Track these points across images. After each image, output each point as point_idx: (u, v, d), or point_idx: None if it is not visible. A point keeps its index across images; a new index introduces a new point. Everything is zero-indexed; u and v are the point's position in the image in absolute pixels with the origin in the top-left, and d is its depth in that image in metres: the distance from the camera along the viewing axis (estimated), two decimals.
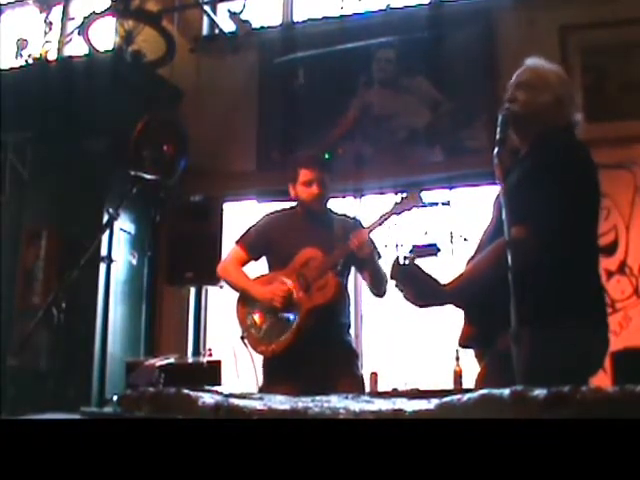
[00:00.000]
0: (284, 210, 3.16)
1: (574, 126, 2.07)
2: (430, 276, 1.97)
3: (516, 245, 1.71)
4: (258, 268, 3.13)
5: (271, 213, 3.15)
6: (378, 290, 2.99)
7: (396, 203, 2.86)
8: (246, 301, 2.99)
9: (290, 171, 3.03)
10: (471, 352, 2.26)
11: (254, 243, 3.04)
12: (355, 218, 3.15)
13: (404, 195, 2.86)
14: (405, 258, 2.01)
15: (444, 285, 1.98)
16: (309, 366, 2.76)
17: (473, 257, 2.14)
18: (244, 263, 3.06)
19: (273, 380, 2.87)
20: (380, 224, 2.86)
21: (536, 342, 1.73)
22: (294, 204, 3.10)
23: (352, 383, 2.81)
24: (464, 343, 2.13)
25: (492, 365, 2.03)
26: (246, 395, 1.47)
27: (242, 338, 2.98)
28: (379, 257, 3.00)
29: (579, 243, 1.94)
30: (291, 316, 2.86)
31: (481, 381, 2.07)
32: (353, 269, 3.11)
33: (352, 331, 3.08)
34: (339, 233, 2.90)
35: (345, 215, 3.14)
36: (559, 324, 1.83)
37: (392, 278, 2.00)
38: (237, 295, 3.04)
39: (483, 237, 2.16)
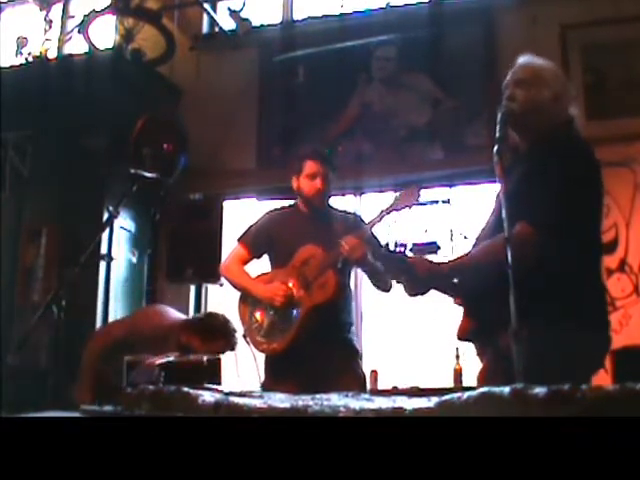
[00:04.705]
0: (285, 208, 3.15)
1: (572, 120, 2.08)
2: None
3: (520, 241, 1.71)
4: (262, 265, 3.13)
5: (272, 210, 3.14)
6: (381, 288, 2.99)
7: (395, 199, 2.85)
8: (248, 299, 2.99)
9: (295, 163, 3.02)
10: (472, 349, 2.26)
11: (256, 241, 3.04)
12: (355, 214, 3.14)
13: (403, 191, 2.86)
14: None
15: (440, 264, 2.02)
16: (310, 364, 2.76)
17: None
18: (246, 261, 3.06)
19: (275, 378, 2.87)
20: (379, 221, 2.85)
21: (536, 341, 1.73)
22: (294, 202, 3.10)
23: (353, 382, 2.80)
24: (462, 336, 2.13)
25: (493, 364, 2.03)
26: (246, 393, 1.47)
27: (244, 336, 2.98)
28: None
29: (583, 240, 1.94)
30: (292, 314, 2.86)
31: (482, 379, 2.07)
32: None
33: (353, 329, 3.07)
34: (339, 230, 2.89)
35: (345, 211, 3.14)
36: (560, 323, 1.83)
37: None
38: (239, 294, 3.04)
39: (485, 228, 2.17)
